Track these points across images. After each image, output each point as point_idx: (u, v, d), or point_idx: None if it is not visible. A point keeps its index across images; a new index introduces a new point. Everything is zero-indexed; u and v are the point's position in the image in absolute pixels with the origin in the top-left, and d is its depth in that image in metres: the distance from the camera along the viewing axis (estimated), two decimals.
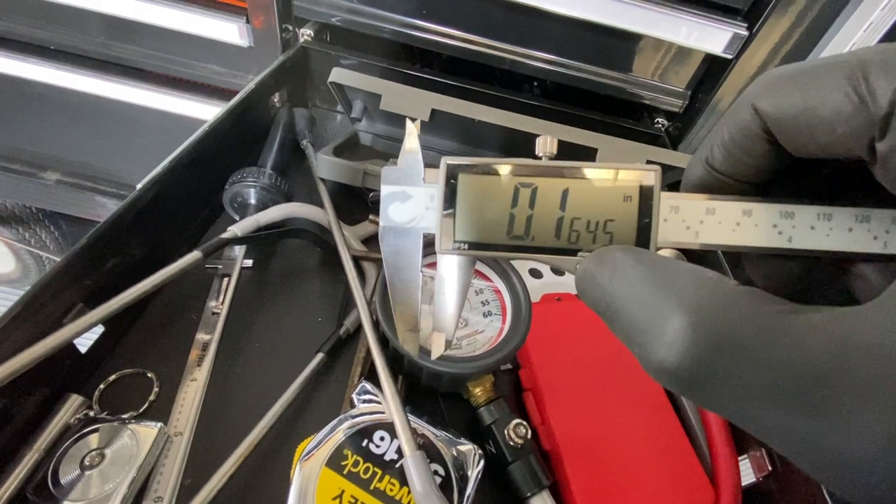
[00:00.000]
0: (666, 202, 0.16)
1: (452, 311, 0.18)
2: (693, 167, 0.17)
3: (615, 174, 0.16)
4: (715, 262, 0.38)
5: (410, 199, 0.18)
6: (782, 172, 0.16)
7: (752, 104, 0.15)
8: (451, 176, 0.17)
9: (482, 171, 0.17)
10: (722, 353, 0.11)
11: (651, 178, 0.16)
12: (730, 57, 0.49)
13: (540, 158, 0.17)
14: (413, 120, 0.19)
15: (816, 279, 0.18)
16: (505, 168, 0.17)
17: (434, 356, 0.18)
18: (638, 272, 0.14)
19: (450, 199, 0.17)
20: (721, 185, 0.17)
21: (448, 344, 0.18)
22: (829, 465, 0.11)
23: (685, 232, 0.16)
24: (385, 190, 0.18)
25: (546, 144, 0.17)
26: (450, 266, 0.18)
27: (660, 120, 0.59)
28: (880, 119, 0.12)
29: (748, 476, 0.31)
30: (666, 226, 0.16)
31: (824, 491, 0.27)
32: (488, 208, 0.17)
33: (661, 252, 0.16)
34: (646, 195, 0.16)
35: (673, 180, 0.47)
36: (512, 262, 0.35)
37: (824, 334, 0.11)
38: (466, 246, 0.17)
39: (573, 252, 0.16)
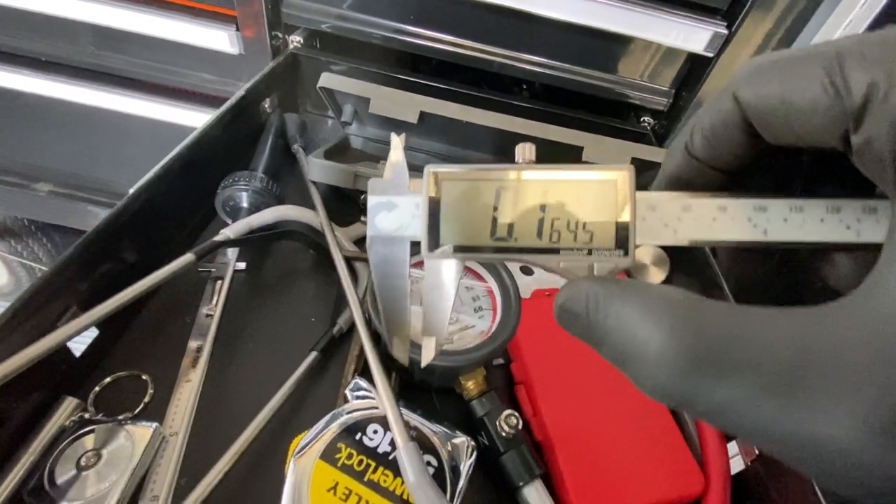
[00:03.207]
0: (642, 202, 0.17)
1: (442, 315, 0.19)
2: (672, 154, 0.18)
3: (590, 175, 0.17)
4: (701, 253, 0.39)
5: (396, 209, 0.18)
6: (759, 161, 0.17)
7: (733, 93, 0.15)
8: (435, 183, 0.17)
9: (464, 177, 0.17)
10: (702, 368, 0.12)
11: (624, 177, 0.16)
12: (711, 55, 0.50)
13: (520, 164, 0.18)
14: (398, 134, 0.19)
15: (793, 269, 0.18)
16: (486, 174, 0.17)
17: (424, 362, 0.19)
18: (610, 302, 0.14)
19: (434, 205, 0.17)
20: (698, 172, 0.17)
21: (439, 347, 0.19)
22: (809, 456, 0.11)
23: (664, 229, 0.17)
24: (372, 200, 0.18)
25: (524, 151, 0.18)
26: (438, 271, 0.18)
27: (646, 119, 0.60)
28: (854, 112, 0.12)
29: (737, 461, 0.32)
30: (644, 224, 0.17)
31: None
32: (472, 212, 0.17)
33: (640, 249, 0.17)
34: (621, 194, 0.16)
35: None
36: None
37: (790, 334, 0.12)
38: (452, 249, 0.17)
39: (556, 251, 0.17)
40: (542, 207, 0.17)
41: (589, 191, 0.17)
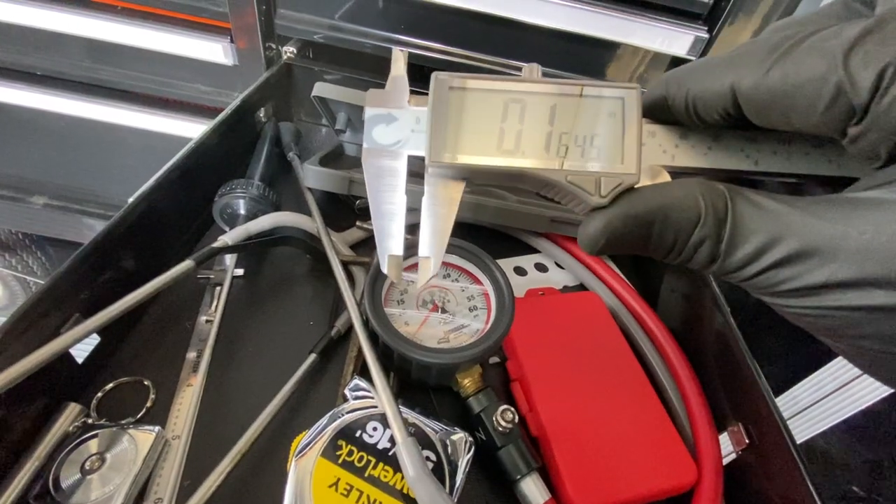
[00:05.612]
0: (644, 128, 0.17)
1: (441, 235, 0.18)
2: (655, 89, 0.18)
3: (600, 91, 0.17)
4: None
5: (396, 122, 0.17)
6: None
7: (730, 85, 0.15)
8: (442, 90, 0.17)
9: (473, 87, 0.17)
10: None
11: (632, 95, 0.17)
12: (693, 58, 0.52)
13: None
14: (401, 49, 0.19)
15: None
16: (495, 85, 0.17)
17: (421, 282, 0.18)
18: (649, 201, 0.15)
19: (441, 113, 0.16)
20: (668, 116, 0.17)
21: (435, 269, 0.18)
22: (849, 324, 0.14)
23: (662, 155, 0.17)
24: (369, 112, 0.18)
25: (532, 71, 0.18)
26: (438, 186, 0.17)
27: None
28: (861, 107, 0.13)
29: (728, 451, 0.33)
30: (645, 149, 0.17)
31: (798, 461, 0.29)
32: (478, 123, 0.16)
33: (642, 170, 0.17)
34: (628, 111, 0.16)
35: None
36: (497, 260, 0.37)
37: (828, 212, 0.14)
38: (457, 159, 0.17)
39: (563, 165, 0.17)
40: (551, 121, 0.16)
41: (598, 107, 0.16)
